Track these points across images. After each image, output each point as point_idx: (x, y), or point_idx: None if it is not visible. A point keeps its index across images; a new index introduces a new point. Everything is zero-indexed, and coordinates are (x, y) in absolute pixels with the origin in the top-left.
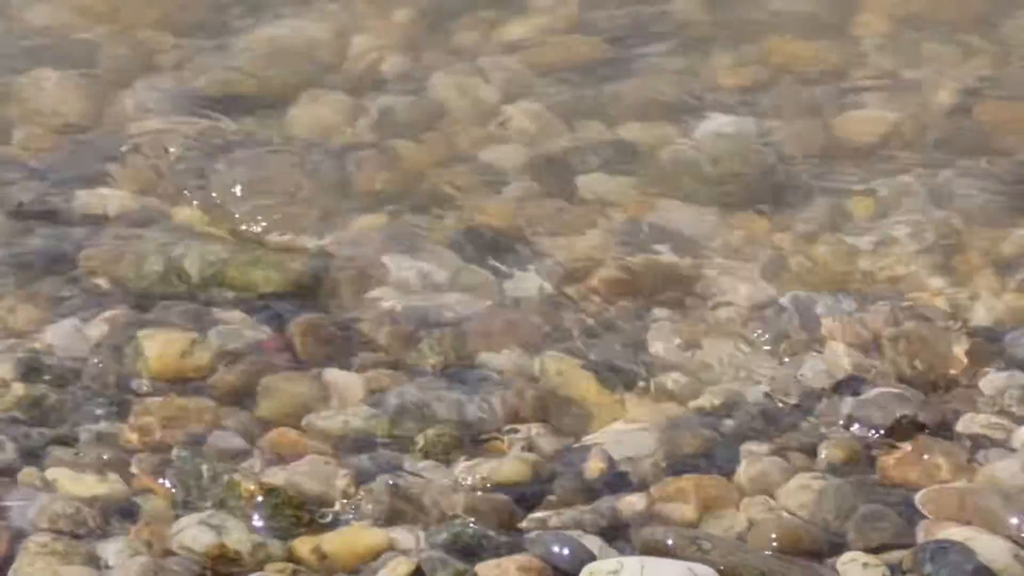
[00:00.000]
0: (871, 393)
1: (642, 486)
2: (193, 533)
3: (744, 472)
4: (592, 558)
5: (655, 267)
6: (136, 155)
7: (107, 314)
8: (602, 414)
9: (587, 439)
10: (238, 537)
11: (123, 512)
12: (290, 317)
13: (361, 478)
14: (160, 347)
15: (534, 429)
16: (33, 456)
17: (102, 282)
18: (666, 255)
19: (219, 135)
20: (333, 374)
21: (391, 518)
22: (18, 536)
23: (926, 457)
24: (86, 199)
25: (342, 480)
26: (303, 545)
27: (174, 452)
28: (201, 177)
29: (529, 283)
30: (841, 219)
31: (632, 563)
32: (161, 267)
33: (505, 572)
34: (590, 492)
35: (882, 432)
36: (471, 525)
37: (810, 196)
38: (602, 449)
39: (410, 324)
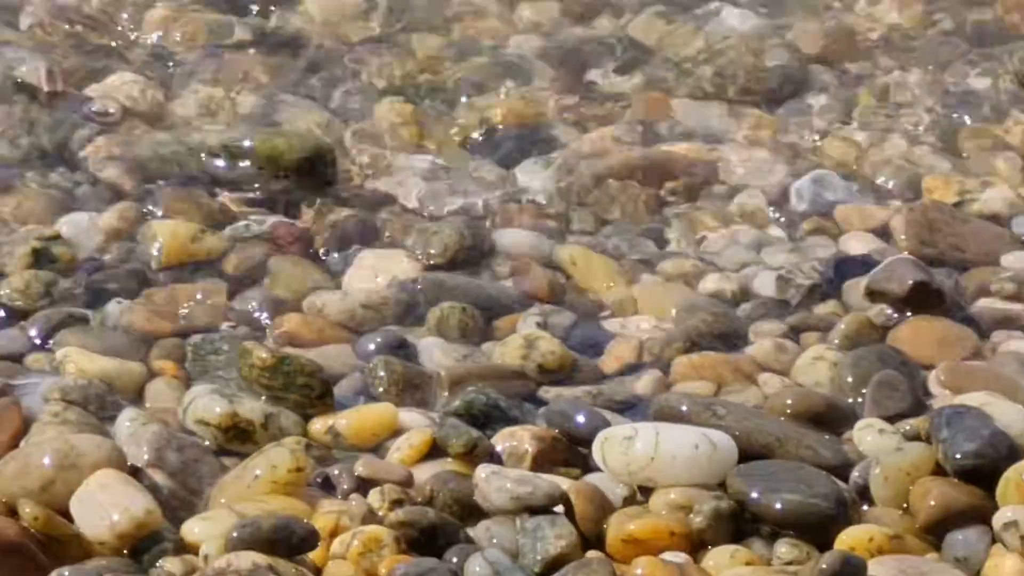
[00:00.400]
0: (885, 262)
1: (657, 365)
2: (205, 402)
3: (759, 349)
4: (606, 425)
5: (670, 157)
6: (144, 48)
7: (120, 204)
8: (617, 300)
9: (602, 322)
10: (251, 407)
11: (136, 390)
12: (303, 201)
13: (373, 356)
14: (172, 232)
15: (549, 312)
16: (46, 340)
17: (114, 170)
18: (680, 146)
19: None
20: (344, 257)
21: (404, 394)
22: (31, 415)
23: (941, 331)
24: (99, 90)
25: (354, 358)
26: (316, 424)
27: (190, 340)
28: (214, 68)
29: (543, 172)
30: (852, 111)
31: (647, 429)
32: (174, 151)
33: (519, 440)
34: (605, 373)
35: (898, 301)
36: (484, 394)
37: (822, 89)
38: (618, 332)
39: (424, 212)
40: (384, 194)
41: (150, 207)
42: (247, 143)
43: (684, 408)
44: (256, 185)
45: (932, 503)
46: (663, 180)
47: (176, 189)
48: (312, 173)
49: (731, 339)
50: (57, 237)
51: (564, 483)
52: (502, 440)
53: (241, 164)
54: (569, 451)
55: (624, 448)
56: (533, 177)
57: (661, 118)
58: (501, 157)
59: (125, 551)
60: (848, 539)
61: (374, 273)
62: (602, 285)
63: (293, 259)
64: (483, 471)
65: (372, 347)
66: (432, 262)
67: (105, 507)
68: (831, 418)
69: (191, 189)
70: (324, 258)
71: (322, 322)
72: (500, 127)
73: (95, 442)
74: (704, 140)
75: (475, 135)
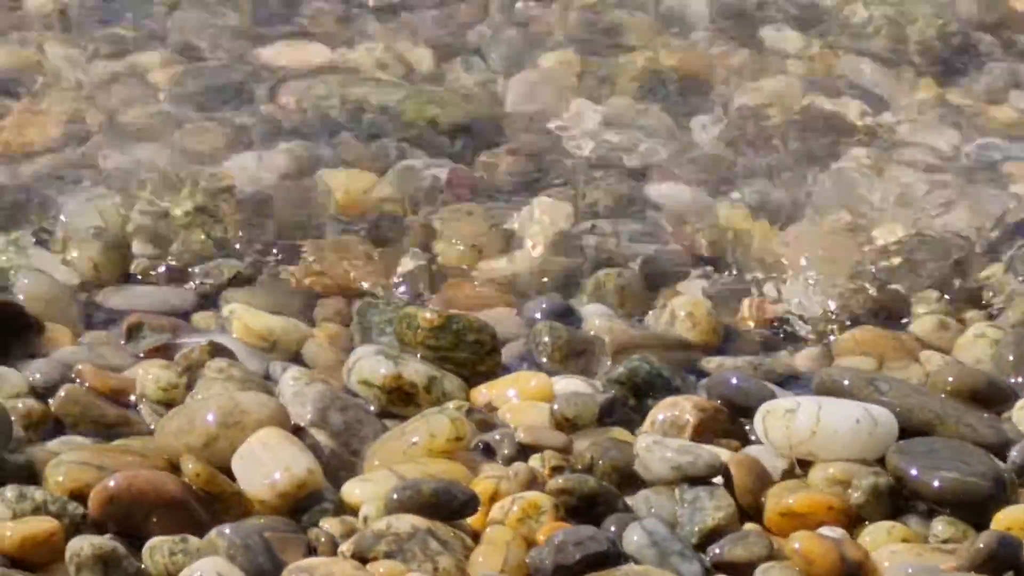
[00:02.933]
0: None
1: (819, 339)
2: (370, 363)
3: (921, 324)
4: (770, 397)
5: (836, 114)
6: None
7: (290, 145)
8: (779, 259)
9: (764, 285)
10: (415, 369)
11: (298, 349)
12: (470, 152)
13: (538, 321)
14: (346, 181)
15: (711, 274)
16: (213, 297)
17: (280, 118)
18: (848, 102)
19: None
20: (511, 209)
21: (568, 361)
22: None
23: None
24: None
25: (518, 323)
26: (476, 394)
27: (357, 299)
28: (388, 21)
29: (711, 125)
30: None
31: (809, 403)
32: (340, 105)
33: (681, 410)
34: (766, 343)
35: None
36: (648, 362)
37: (990, 57)
38: (780, 297)
39: (590, 162)
40: (552, 144)
41: (323, 154)
42: (407, 106)
43: (846, 383)
44: (419, 139)
45: None
46: (830, 136)
47: (348, 138)
48: (474, 132)
49: (893, 313)
50: (229, 189)
51: (724, 454)
52: (664, 409)
53: (403, 123)
54: (730, 422)
55: (786, 421)
56: (700, 129)
57: (830, 75)
58: (669, 108)
59: (285, 510)
60: (1005, 518)
61: (540, 228)
62: (765, 244)
63: (462, 212)
64: (644, 440)
65: (537, 313)
66: (595, 215)
67: (267, 466)
68: (991, 396)
69: (362, 140)
70: (491, 209)
71: (486, 285)
72: (669, 78)
73: (259, 400)
74: (872, 100)
75: (644, 86)
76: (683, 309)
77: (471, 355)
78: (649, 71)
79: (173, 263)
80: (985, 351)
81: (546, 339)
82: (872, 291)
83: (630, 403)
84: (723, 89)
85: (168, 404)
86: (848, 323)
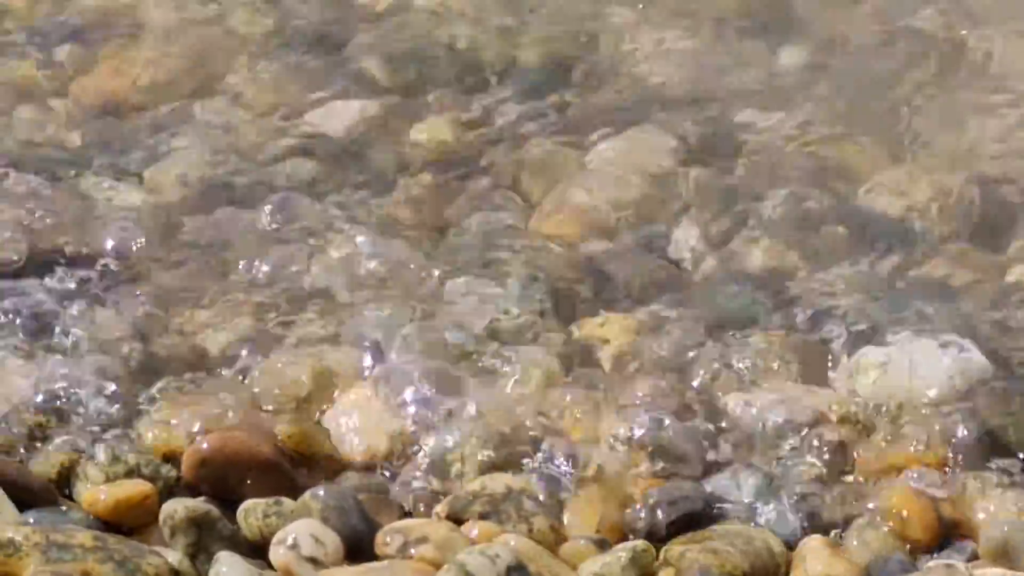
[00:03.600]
0: None
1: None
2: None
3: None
4: None
5: (925, 35)
6: None
7: (379, 95)
8: (875, 183)
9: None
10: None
11: None
12: (554, 92)
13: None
14: (433, 128)
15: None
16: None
17: (371, 64)
18: (937, 25)
19: None
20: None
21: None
22: None
23: None
24: None
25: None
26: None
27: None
28: None
29: (796, 52)
30: None
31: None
32: (430, 50)
33: None
34: None
35: None
36: None
37: None
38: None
39: (676, 94)
40: (641, 79)
41: (409, 101)
42: (488, 51)
43: None
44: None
45: None
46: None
47: (434, 86)
48: (559, 74)
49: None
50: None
51: None
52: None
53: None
54: None
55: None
56: (791, 60)
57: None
58: (755, 37)
59: (379, 470)
60: None
61: (626, 163)
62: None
63: (547, 152)
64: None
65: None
66: (684, 151)
67: (360, 425)
68: None
69: (445, 86)
70: (578, 147)
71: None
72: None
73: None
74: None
75: (731, 16)
76: None
77: None
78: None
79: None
80: None
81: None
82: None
83: None
84: (804, 17)
85: None
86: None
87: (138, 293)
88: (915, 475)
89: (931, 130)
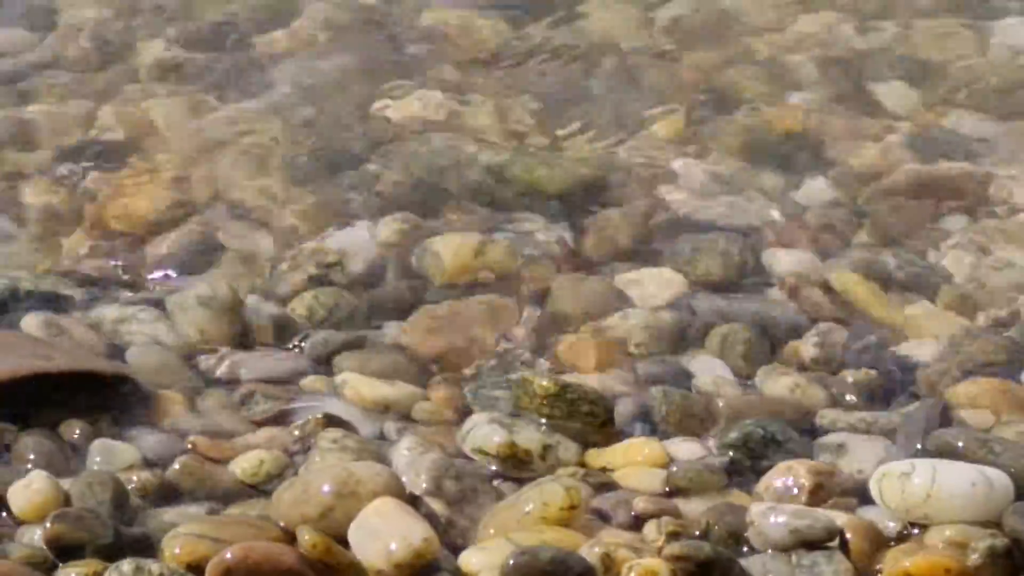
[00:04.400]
0: None
1: (933, 392)
2: (484, 432)
3: None
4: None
5: (945, 175)
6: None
7: (396, 216)
8: (891, 324)
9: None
10: (529, 436)
11: (411, 417)
12: (579, 218)
13: (652, 384)
14: (454, 246)
15: (831, 328)
16: (324, 363)
17: (388, 185)
18: (957, 164)
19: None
20: (619, 275)
21: (682, 424)
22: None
23: None
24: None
25: (630, 383)
26: (593, 459)
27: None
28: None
29: (817, 189)
30: None
31: (924, 465)
32: (446, 165)
33: (796, 475)
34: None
35: None
36: (762, 426)
37: None
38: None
39: (697, 230)
40: (659, 206)
41: (428, 220)
42: (514, 170)
43: (960, 444)
44: (525, 203)
45: None
46: (943, 199)
47: (452, 202)
48: (581, 199)
49: (1009, 368)
50: (336, 263)
51: (840, 518)
52: (778, 475)
53: (508, 187)
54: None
55: (901, 485)
56: (809, 193)
57: (941, 134)
58: (777, 170)
59: None
60: None
61: (650, 293)
62: (879, 311)
63: (571, 278)
64: (758, 506)
65: (651, 375)
66: (706, 280)
67: (383, 535)
68: None
69: (465, 203)
70: (599, 276)
71: (600, 345)
72: (778, 139)
73: (374, 469)
74: (983, 160)
75: (750, 147)
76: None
77: (584, 426)
78: (755, 131)
79: (284, 327)
80: None
81: (662, 407)
82: (989, 349)
83: (745, 465)
84: (828, 150)
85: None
86: (962, 377)
87: None
88: None
89: None
